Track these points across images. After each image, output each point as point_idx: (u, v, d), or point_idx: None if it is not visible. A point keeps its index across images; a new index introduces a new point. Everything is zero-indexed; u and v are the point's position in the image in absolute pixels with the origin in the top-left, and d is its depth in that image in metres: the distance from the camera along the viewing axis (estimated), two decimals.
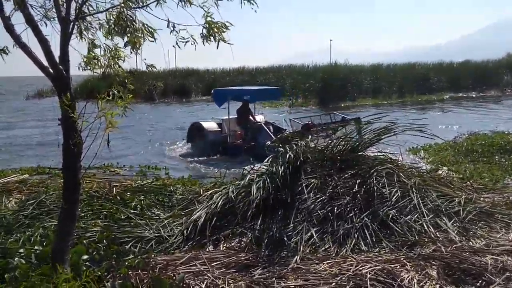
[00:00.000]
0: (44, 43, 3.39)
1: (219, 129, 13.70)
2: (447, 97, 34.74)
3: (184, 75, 40.81)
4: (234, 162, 11.63)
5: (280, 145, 9.33)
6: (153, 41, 3.74)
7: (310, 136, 10.26)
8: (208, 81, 38.40)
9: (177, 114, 25.88)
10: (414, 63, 39.56)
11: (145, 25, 3.70)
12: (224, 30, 3.62)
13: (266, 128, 12.66)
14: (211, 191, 6.18)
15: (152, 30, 3.71)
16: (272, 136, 11.97)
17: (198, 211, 5.43)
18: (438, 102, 31.24)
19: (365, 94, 32.70)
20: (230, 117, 13.68)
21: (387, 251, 4.58)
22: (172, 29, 3.71)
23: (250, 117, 13.47)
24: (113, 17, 3.72)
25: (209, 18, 3.58)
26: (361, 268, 4.01)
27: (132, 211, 5.83)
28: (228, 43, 3.69)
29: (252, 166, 6.76)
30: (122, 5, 3.63)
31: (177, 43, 3.74)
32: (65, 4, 3.48)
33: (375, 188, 5.40)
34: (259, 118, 13.96)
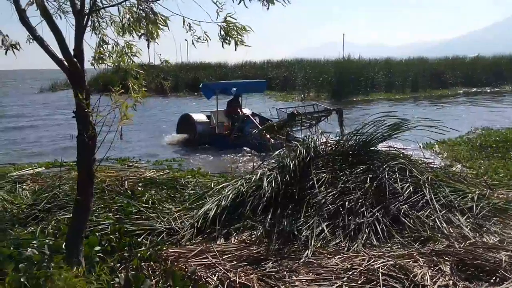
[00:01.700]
0: (59, 36, 3.41)
1: (208, 121, 14.42)
2: (461, 92, 34.36)
3: (195, 69, 40.81)
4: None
5: (266, 133, 9.85)
6: (164, 29, 3.76)
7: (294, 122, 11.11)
8: (219, 74, 38.28)
9: (189, 108, 25.90)
10: (427, 58, 39.18)
11: (158, 14, 3.71)
12: (244, 33, 3.62)
13: (252, 119, 13.48)
14: (222, 185, 6.20)
15: (165, 18, 3.72)
16: (259, 126, 12.70)
17: (209, 204, 5.45)
18: (452, 97, 30.88)
19: (378, 89, 32.50)
20: (219, 109, 14.37)
21: (399, 246, 4.55)
22: (188, 29, 3.74)
23: (238, 110, 14.19)
24: (127, 14, 3.74)
25: (229, 18, 3.56)
26: (373, 263, 3.99)
27: (144, 205, 5.87)
28: (246, 45, 3.70)
29: (262, 160, 6.78)
30: None
31: (192, 43, 3.77)
32: None
33: (387, 183, 5.37)
34: (246, 110, 14.55)
